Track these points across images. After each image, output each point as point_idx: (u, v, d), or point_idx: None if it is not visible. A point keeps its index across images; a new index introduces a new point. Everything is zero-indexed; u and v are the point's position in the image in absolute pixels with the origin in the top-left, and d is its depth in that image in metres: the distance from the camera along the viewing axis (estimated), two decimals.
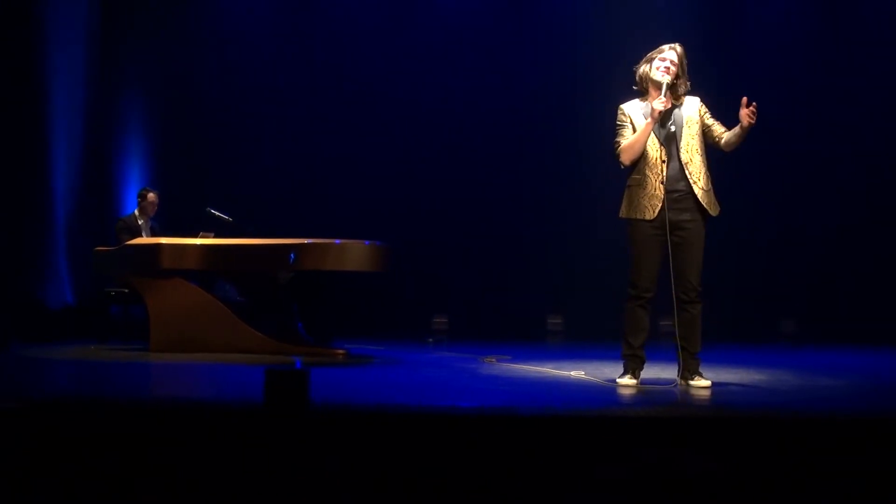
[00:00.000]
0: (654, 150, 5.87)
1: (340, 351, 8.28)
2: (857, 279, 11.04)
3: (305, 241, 8.17)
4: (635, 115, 5.95)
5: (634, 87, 6.03)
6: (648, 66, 5.94)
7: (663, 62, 5.89)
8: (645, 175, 5.87)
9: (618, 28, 10.75)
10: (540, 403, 5.20)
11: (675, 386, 5.89)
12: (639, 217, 5.87)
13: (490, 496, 3.97)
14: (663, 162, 5.84)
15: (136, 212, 9.69)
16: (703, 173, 5.88)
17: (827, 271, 11.19)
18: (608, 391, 5.80)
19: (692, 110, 5.94)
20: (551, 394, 5.73)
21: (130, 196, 10.41)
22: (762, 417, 4.65)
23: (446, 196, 11.42)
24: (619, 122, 6.00)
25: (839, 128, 11.25)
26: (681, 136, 5.88)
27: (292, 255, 8.09)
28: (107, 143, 11.00)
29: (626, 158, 5.93)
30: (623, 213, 5.96)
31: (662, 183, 5.82)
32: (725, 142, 5.91)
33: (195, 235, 8.73)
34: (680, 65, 5.92)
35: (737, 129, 5.83)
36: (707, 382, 5.88)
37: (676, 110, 5.93)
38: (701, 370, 5.95)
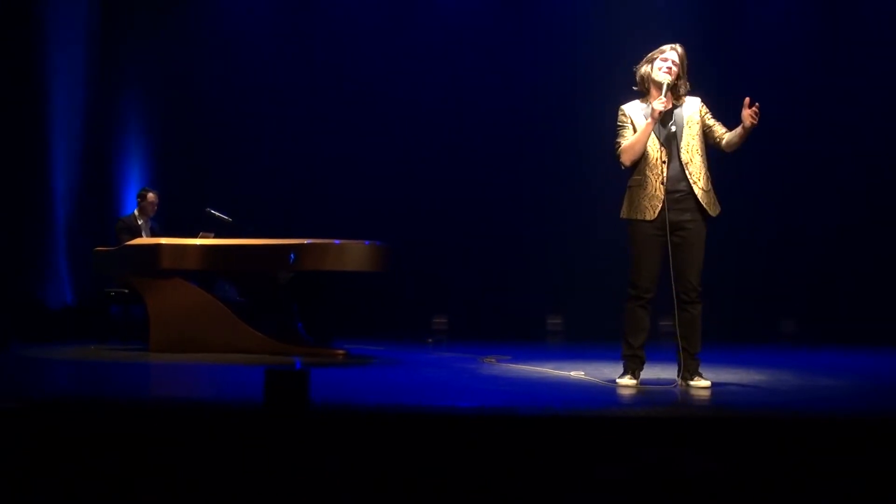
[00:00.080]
0: (655, 150, 5.87)
1: (340, 351, 8.28)
2: (857, 279, 11.04)
3: (305, 241, 8.18)
4: (636, 115, 5.95)
5: (635, 88, 6.03)
6: (649, 66, 5.94)
7: (665, 62, 5.89)
8: (645, 176, 5.87)
9: (618, 28, 10.75)
10: (540, 404, 5.20)
11: (675, 386, 5.89)
12: (639, 217, 5.86)
13: (490, 496, 3.97)
14: (664, 162, 5.84)
15: (136, 212, 9.69)
16: (703, 173, 5.87)
17: (827, 271, 11.19)
18: (608, 391, 5.80)
19: (693, 110, 5.94)
20: (551, 394, 5.73)
21: (130, 196, 10.41)
22: (762, 417, 4.65)
23: (446, 196, 11.42)
24: (619, 123, 5.99)
25: (839, 128, 11.24)
26: (681, 136, 5.88)
27: (292, 256, 8.09)
28: (107, 143, 11.00)
29: (626, 159, 5.93)
30: (624, 213, 5.96)
31: (663, 183, 5.82)
32: (727, 142, 5.91)
33: (195, 235, 8.73)
34: (681, 65, 5.92)
35: (738, 129, 5.82)
36: (707, 383, 5.88)
37: (677, 110, 5.93)
38: (701, 370, 5.95)
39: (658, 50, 5.96)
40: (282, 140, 11.50)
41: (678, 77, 5.91)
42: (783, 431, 4.29)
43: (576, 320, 10.91)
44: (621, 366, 6.04)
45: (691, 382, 5.89)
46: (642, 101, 5.99)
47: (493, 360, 7.87)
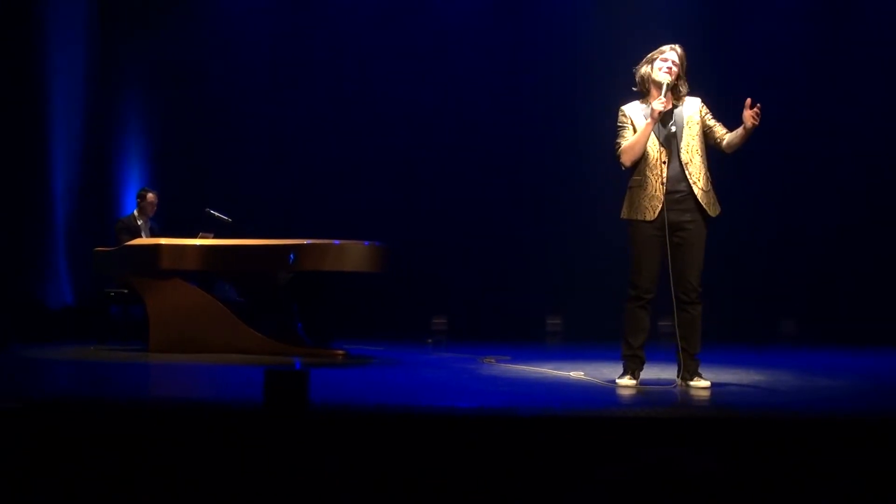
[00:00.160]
0: (655, 150, 5.87)
1: (340, 351, 8.28)
2: (857, 279, 11.05)
3: (305, 241, 8.18)
4: (636, 116, 5.95)
5: (634, 89, 6.03)
6: (649, 66, 5.94)
7: (665, 62, 5.89)
8: (645, 176, 5.87)
9: (618, 28, 10.75)
10: (539, 404, 5.20)
11: (675, 386, 5.89)
12: (639, 218, 5.86)
13: (490, 496, 3.97)
14: (664, 163, 5.84)
15: (136, 212, 9.69)
16: (702, 174, 5.87)
17: (827, 271, 11.19)
18: (608, 392, 5.80)
19: (693, 111, 5.94)
20: (551, 394, 5.73)
21: (130, 196, 10.41)
22: (762, 418, 4.65)
23: (446, 196, 11.42)
24: (619, 124, 5.99)
25: (839, 128, 11.25)
26: (681, 136, 5.87)
27: (292, 256, 8.09)
28: (107, 143, 11.00)
29: (626, 159, 5.92)
30: (624, 214, 5.96)
31: (663, 184, 5.81)
32: (727, 143, 5.90)
33: (194, 236, 8.73)
34: (681, 65, 5.91)
35: (740, 130, 5.82)
36: (706, 383, 5.88)
37: (677, 111, 5.93)
38: (700, 371, 5.95)
39: (658, 50, 5.96)
40: (282, 140, 11.51)
41: (678, 77, 5.91)
42: (783, 431, 4.29)
43: (575, 321, 10.91)
44: (621, 366, 6.04)
45: (691, 383, 5.88)
46: (642, 102, 5.98)
47: (492, 360, 7.87)
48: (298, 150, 11.47)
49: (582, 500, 3.95)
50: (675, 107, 5.93)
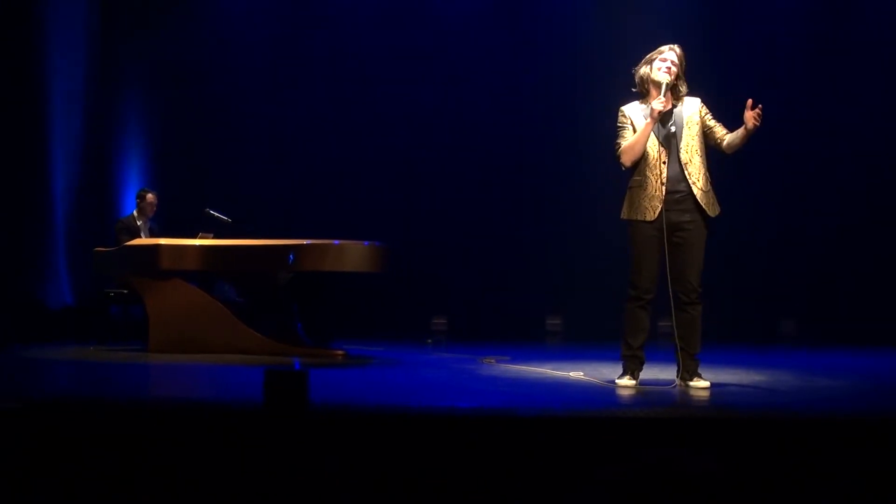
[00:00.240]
0: (654, 150, 5.87)
1: (339, 352, 8.28)
2: (857, 279, 11.04)
3: (304, 241, 8.18)
4: (636, 116, 5.94)
5: (634, 90, 6.03)
6: (648, 67, 5.94)
7: (664, 62, 5.89)
8: (645, 176, 5.87)
9: (618, 28, 10.74)
10: (539, 404, 5.21)
11: (675, 387, 5.89)
12: (639, 218, 5.86)
13: (489, 497, 3.97)
14: (663, 163, 5.84)
15: (136, 212, 9.69)
16: (702, 174, 5.87)
17: (827, 271, 11.19)
18: (607, 392, 5.80)
19: (693, 111, 5.94)
20: (550, 394, 5.73)
21: (129, 196, 10.40)
22: (761, 418, 4.65)
23: (446, 196, 11.42)
24: (619, 124, 5.99)
25: (839, 128, 11.25)
26: (681, 136, 5.87)
27: (291, 256, 8.09)
28: (106, 143, 11.00)
29: (626, 160, 5.92)
30: (624, 214, 5.96)
31: (663, 184, 5.81)
32: (728, 144, 5.90)
33: (194, 236, 8.73)
34: (680, 65, 5.91)
35: (740, 130, 5.81)
36: (706, 383, 5.88)
37: (676, 111, 5.93)
38: (700, 371, 5.95)
39: (657, 51, 5.96)
40: (282, 140, 11.50)
41: (677, 77, 5.90)
42: (783, 432, 4.29)
43: (575, 321, 10.91)
44: (620, 366, 6.04)
45: (690, 383, 5.88)
46: (642, 102, 5.98)
47: (492, 360, 7.87)
48: (298, 150, 11.47)
49: (582, 500, 3.95)
50: (674, 107, 5.93)
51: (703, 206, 5.84)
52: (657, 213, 5.81)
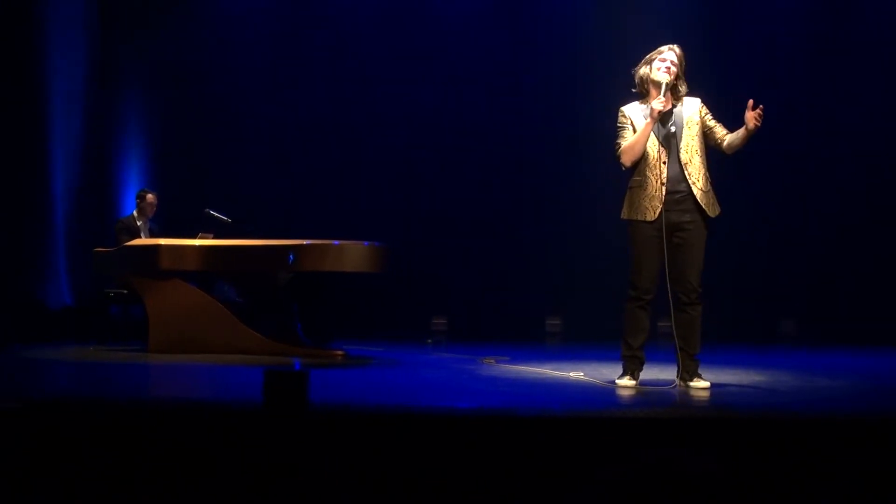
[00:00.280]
0: (654, 150, 5.87)
1: (339, 352, 8.28)
2: (857, 279, 11.04)
3: (304, 241, 8.17)
4: (635, 116, 5.95)
5: (634, 90, 6.03)
6: (648, 67, 5.94)
7: (663, 62, 5.89)
8: (645, 176, 5.87)
9: (618, 28, 10.74)
10: (539, 404, 5.21)
11: (674, 387, 5.89)
12: (640, 218, 5.86)
13: (489, 497, 3.97)
14: (663, 163, 5.84)
15: (135, 213, 9.69)
16: (702, 174, 5.87)
17: (827, 271, 11.18)
18: (607, 392, 5.80)
19: (693, 111, 5.94)
20: (550, 395, 5.73)
21: (129, 197, 10.40)
22: (761, 418, 4.65)
23: (446, 196, 11.41)
24: (619, 124, 5.99)
25: (839, 128, 11.25)
26: (681, 136, 5.87)
27: (291, 256, 8.09)
28: (106, 143, 11.00)
29: (626, 160, 5.92)
30: (624, 214, 5.96)
31: (663, 184, 5.81)
32: (728, 144, 5.90)
33: (194, 236, 8.73)
34: (679, 65, 5.91)
35: (741, 131, 5.81)
36: (706, 384, 5.88)
37: (676, 111, 5.93)
38: (700, 371, 5.95)
39: (656, 51, 5.96)
40: (282, 140, 11.50)
41: (677, 77, 5.91)
42: (783, 432, 4.29)
43: (575, 321, 10.91)
44: (620, 366, 6.03)
45: (690, 383, 5.88)
46: (642, 103, 5.98)
47: (492, 360, 7.87)
48: (298, 150, 11.46)
49: (581, 500, 3.95)
50: (674, 107, 5.93)
51: (703, 207, 5.84)
52: (657, 213, 5.81)
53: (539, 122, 11.48)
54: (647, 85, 5.94)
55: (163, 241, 8.56)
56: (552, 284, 11.17)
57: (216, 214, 9.26)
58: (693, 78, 6.03)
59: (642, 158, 5.88)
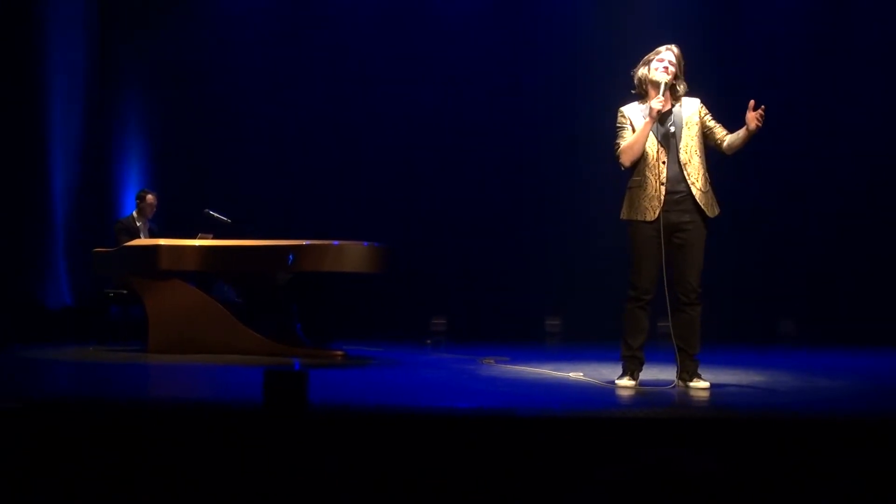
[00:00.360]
0: (654, 150, 5.87)
1: (339, 352, 8.28)
2: (857, 279, 11.04)
3: (304, 242, 8.17)
4: (635, 117, 5.95)
5: (633, 92, 6.03)
6: (646, 68, 5.95)
7: (661, 62, 5.89)
8: (645, 176, 5.87)
9: (618, 28, 10.74)
10: (538, 405, 5.21)
11: (674, 387, 5.89)
12: (639, 219, 5.86)
13: (489, 497, 3.97)
14: (663, 163, 5.84)
15: (135, 213, 9.69)
16: (701, 174, 5.87)
17: (827, 271, 11.18)
18: (607, 392, 5.80)
19: (692, 111, 5.94)
20: (550, 395, 5.73)
21: (129, 197, 10.41)
22: (761, 418, 4.65)
23: (445, 196, 11.41)
24: (618, 125, 5.99)
25: (839, 128, 11.25)
26: (680, 136, 5.87)
27: (291, 257, 8.09)
28: (106, 143, 11.00)
29: (626, 160, 5.92)
30: (624, 214, 5.96)
31: (662, 184, 5.81)
32: (728, 145, 5.90)
33: (194, 236, 8.73)
34: (678, 65, 5.91)
35: (741, 132, 5.81)
36: (706, 384, 5.87)
37: (676, 111, 5.92)
38: (700, 371, 5.95)
39: (654, 52, 5.97)
40: (282, 140, 11.50)
41: (675, 77, 5.90)
42: (782, 432, 4.29)
43: (575, 321, 10.91)
44: (620, 367, 6.03)
45: (690, 383, 5.88)
46: (641, 104, 5.98)
47: (491, 361, 7.87)
48: (298, 150, 11.46)
49: (581, 500, 3.95)
50: (673, 107, 5.93)
51: (703, 207, 5.83)
52: (657, 213, 5.81)
53: (539, 122, 11.48)
54: (646, 85, 5.94)
55: (162, 242, 8.56)
56: (552, 284, 11.17)
57: (216, 215, 9.26)
58: (693, 78, 6.03)
59: (641, 158, 5.88)
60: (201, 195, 10.39)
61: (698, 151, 5.88)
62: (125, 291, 9.11)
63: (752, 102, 5.76)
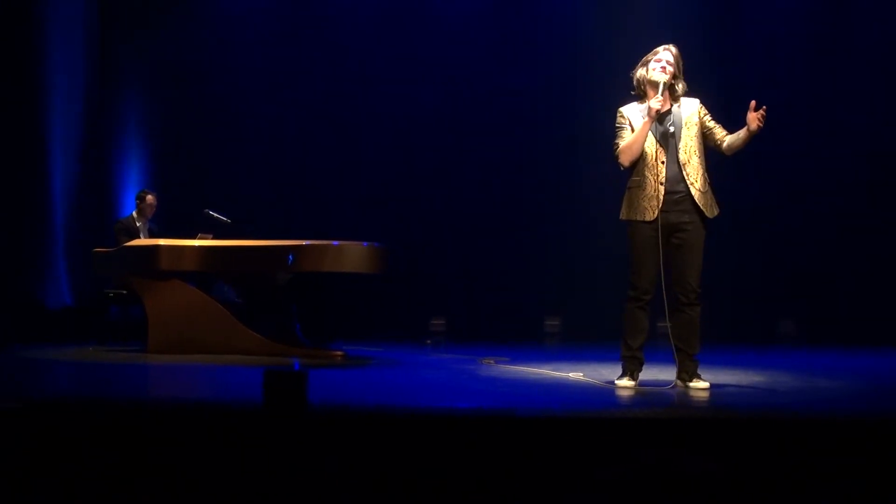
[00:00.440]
0: (653, 150, 5.87)
1: (338, 352, 8.28)
2: (857, 279, 11.04)
3: (303, 242, 8.17)
4: (634, 117, 5.94)
5: (633, 93, 6.03)
6: (644, 68, 5.95)
7: (659, 62, 5.89)
8: (644, 176, 5.87)
9: (618, 28, 10.74)
10: (538, 405, 5.21)
11: (674, 387, 5.89)
12: (639, 219, 5.86)
13: (489, 497, 3.97)
14: (662, 163, 5.84)
15: (135, 213, 9.69)
16: (700, 174, 5.87)
17: (827, 271, 11.18)
18: (606, 393, 5.80)
19: (691, 111, 5.93)
20: (549, 395, 5.73)
21: (129, 197, 10.41)
22: (761, 418, 4.65)
23: (445, 197, 11.41)
24: (617, 125, 5.99)
25: (839, 128, 11.25)
26: (679, 136, 5.87)
27: (290, 257, 8.09)
28: (106, 143, 11.01)
29: (625, 159, 5.92)
30: (623, 214, 5.96)
31: (662, 184, 5.81)
32: (727, 145, 5.90)
33: (193, 237, 8.73)
34: (676, 64, 5.91)
35: (742, 132, 5.81)
36: (705, 384, 5.87)
37: (675, 111, 5.92)
38: (699, 372, 5.95)
39: (651, 52, 5.97)
40: (281, 141, 11.50)
41: (674, 76, 5.90)
42: (782, 432, 4.29)
43: (574, 321, 10.91)
44: (620, 367, 6.03)
45: (690, 384, 5.88)
46: (640, 104, 5.98)
47: (491, 361, 7.87)
48: (298, 151, 11.46)
49: (581, 500, 3.95)
50: (672, 107, 5.93)
51: (702, 207, 5.83)
52: (656, 213, 5.81)
53: (539, 122, 11.48)
54: (645, 86, 5.94)
55: (162, 242, 8.56)
56: (551, 285, 11.17)
57: (216, 215, 9.26)
58: (693, 78, 6.03)
59: (641, 158, 5.88)
60: (201, 195, 10.38)
61: (697, 152, 5.88)
62: (125, 291, 9.11)
63: (753, 103, 5.76)
